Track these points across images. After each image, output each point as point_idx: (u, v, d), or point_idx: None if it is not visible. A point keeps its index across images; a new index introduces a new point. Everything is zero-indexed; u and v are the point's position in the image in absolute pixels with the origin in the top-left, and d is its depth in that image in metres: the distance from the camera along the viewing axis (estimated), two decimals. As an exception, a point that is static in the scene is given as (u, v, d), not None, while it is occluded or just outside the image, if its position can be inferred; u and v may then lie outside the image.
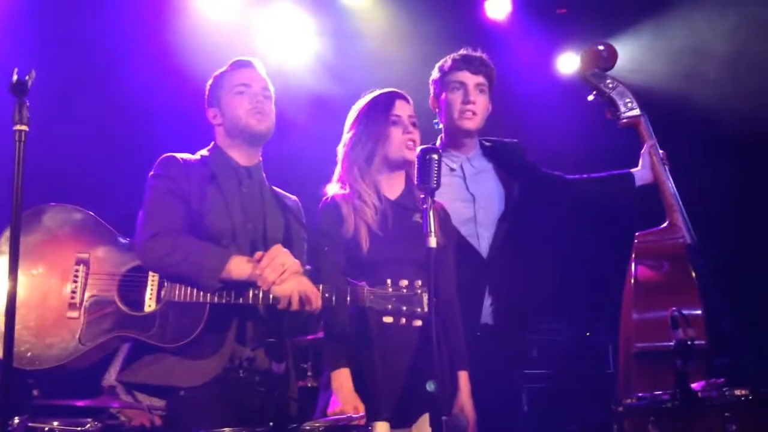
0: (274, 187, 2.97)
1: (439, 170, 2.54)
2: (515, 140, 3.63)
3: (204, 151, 2.90)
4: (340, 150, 3.07)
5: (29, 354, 2.66)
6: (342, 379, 2.80)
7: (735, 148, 4.79)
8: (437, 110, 3.52)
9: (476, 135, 3.51)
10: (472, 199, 3.42)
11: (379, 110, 3.03)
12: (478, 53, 3.47)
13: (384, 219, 2.96)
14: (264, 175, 2.94)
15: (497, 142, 3.59)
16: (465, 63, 3.43)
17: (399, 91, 3.10)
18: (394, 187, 3.05)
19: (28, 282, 2.70)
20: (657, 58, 4.93)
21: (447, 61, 3.48)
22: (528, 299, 3.48)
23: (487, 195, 3.44)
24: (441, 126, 3.53)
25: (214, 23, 5.00)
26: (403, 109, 3.05)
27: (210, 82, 2.95)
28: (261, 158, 2.94)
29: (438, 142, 3.53)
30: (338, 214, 2.94)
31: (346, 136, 3.06)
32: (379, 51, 5.28)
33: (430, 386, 2.57)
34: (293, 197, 3.02)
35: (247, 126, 2.82)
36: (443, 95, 3.46)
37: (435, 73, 3.52)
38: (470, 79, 3.41)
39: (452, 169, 3.46)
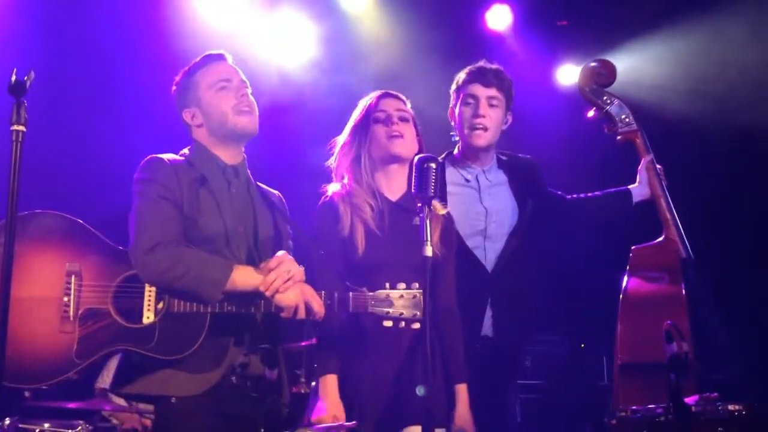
0: (259, 183, 2.90)
1: (437, 179, 2.54)
2: (529, 156, 3.62)
3: (186, 151, 2.79)
4: (333, 156, 3.07)
5: (22, 371, 2.51)
6: (328, 385, 2.79)
7: (732, 161, 4.81)
8: (453, 123, 3.52)
9: (493, 148, 3.48)
10: (484, 212, 3.40)
11: (363, 112, 3.04)
12: (494, 66, 3.44)
13: (381, 219, 2.94)
14: (249, 172, 2.87)
15: (513, 157, 3.58)
16: (478, 76, 3.40)
17: (388, 90, 3.09)
18: (393, 187, 3.02)
19: (14, 295, 2.37)
20: (657, 70, 4.94)
21: (462, 73, 3.47)
22: (528, 312, 3.48)
23: (500, 209, 3.43)
24: (457, 138, 3.51)
25: (214, 29, 5.00)
26: (388, 105, 3.02)
27: (178, 80, 2.81)
28: (245, 155, 2.86)
29: (456, 151, 3.53)
30: (334, 213, 2.92)
31: (339, 141, 3.07)
32: (379, 59, 5.29)
33: (420, 391, 2.58)
34: (276, 193, 2.96)
35: (236, 124, 2.73)
36: (457, 108, 3.46)
37: (453, 85, 3.50)
38: (482, 92, 3.38)
39: (467, 180, 3.45)
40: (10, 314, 2.22)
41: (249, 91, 2.80)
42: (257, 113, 2.79)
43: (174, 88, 2.84)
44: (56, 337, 2.57)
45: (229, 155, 2.79)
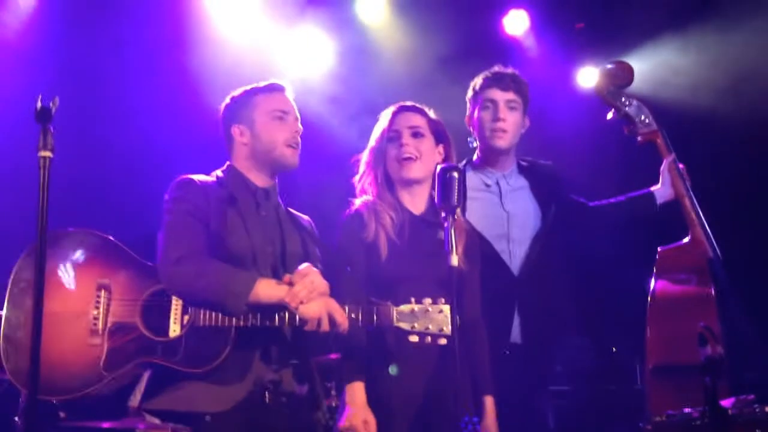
0: (289, 209, 2.95)
1: (460, 188, 2.54)
2: (550, 162, 3.62)
3: (219, 172, 2.86)
4: (358, 174, 3.09)
5: (51, 385, 2.58)
6: (355, 392, 2.79)
7: (759, 159, 4.74)
8: (472, 128, 3.52)
9: (512, 152, 3.49)
10: (506, 216, 3.40)
11: (380, 129, 3.04)
12: (510, 70, 3.47)
13: (402, 231, 2.93)
14: (279, 197, 2.92)
15: (534, 163, 3.58)
16: (494, 80, 3.42)
17: (406, 103, 3.09)
18: (416, 202, 3.02)
19: (46, 310, 2.42)
20: (676, 71, 4.90)
21: (479, 79, 3.48)
22: (557, 318, 3.44)
23: (522, 212, 3.43)
24: (476, 144, 3.52)
25: (234, 45, 5.04)
26: (402, 121, 3.01)
27: (236, 96, 2.88)
28: (276, 180, 2.91)
29: (475, 157, 3.53)
30: (360, 221, 2.93)
31: (362, 159, 3.08)
32: (398, 68, 5.30)
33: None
34: (306, 217, 3.00)
35: (282, 156, 2.80)
36: (476, 113, 3.46)
37: (469, 92, 3.52)
38: (500, 96, 3.40)
39: (487, 185, 3.46)
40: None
41: (300, 128, 2.87)
42: (300, 150, 2.86)
43: (228, 101, 2.90)
44: (85, 350, 2.64)
45: (262, 180, 2.85)
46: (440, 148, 3.05)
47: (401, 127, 3.00)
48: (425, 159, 2.98)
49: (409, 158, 2.96)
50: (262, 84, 2.90)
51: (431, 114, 3.09)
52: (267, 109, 2.83)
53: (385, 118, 3.07)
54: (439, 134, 3.06)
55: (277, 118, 2.82)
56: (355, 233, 2.92)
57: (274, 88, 2.89)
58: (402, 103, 3.10)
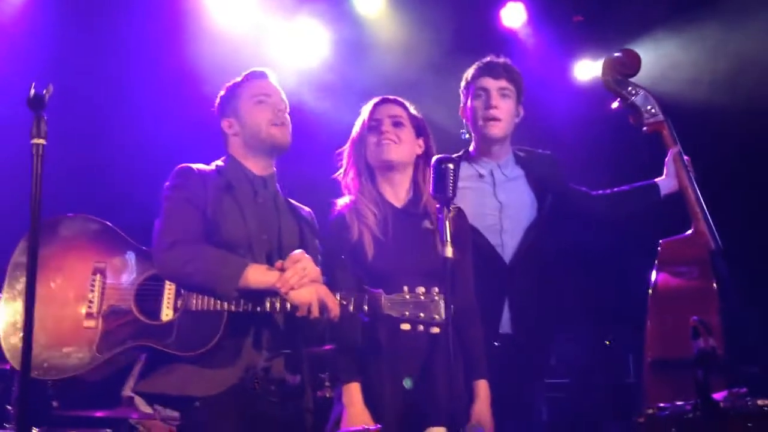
0: (289, 199, 2.97)
1: (455, 180, 2.54)
2: (549, 152, 3.60)
3: (219, 162, 2.89)
4: (341, 168, 3.10)
5: (46, 364, 2.65)
6: (353, 393, 2.79)
7: (757, 151, 4.74)
8: (465, 119, 3.52)
9: (507, 142, 3.48)
10: (499, 206, 3.39)
11: (361, 121, 3.06)
12: (501, 59, 3.46)
13: (385, 226, 2.94)
14: (278, 185, 2.94)
15: (532, 153, 3.56)
16: (486, 69, 3.42)
17: (386, 96, 3.10)
18: (399, 194, 3.02)
19: (45, 293, 2.65)
20: (674, 65, 4.89)
21: (471, 69, 3.48)
22: (549, 309, 3.43)
23: (516, 203, 3.41)
24: (468, 135, 3.51)
25: (230, 36, 5.02)
26: (383, 112, 3.03)
27: (222, 93, 2.95)
28: (275, 169, 2.93)
29: (471, 149, 3.52)
30: (343, 223, 2.95)
31: (344, 153, 3.09)
32: (394, 60, 5.29)
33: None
34: (307, 209, 3.01)
35: (269, 136, 2.83)
36: (469, 103, 3.46)
37: (462, 83, 3.52)
38: (492, 84, 3.39)
39: (481, 176, 3.44)
40: (38, 310, 2.30)
41: (286, 109, 2.90)
42: (290, 129, 2.88)
43: (217, 100, 2.95)
44: (80, 332, 2.70)
45: (259, 167, 2.88)
46: (420, 141, 3.05)
47: (382, 116, 3.02)
48: (404, 145, 2.99)
49: (388, 141, 2.96)
50: (242, 75, 2.94)
51: (412, 109, 3.10)
52: (249, 96, 2.87)
53: (366, 109, 3.08)
54: (420, 128, 3.07)
55: (259, 102, 2.86)
56: (340, 235, 2.94)
57: (255, 76, 2.93)
58: (383, 96, 3.11)
